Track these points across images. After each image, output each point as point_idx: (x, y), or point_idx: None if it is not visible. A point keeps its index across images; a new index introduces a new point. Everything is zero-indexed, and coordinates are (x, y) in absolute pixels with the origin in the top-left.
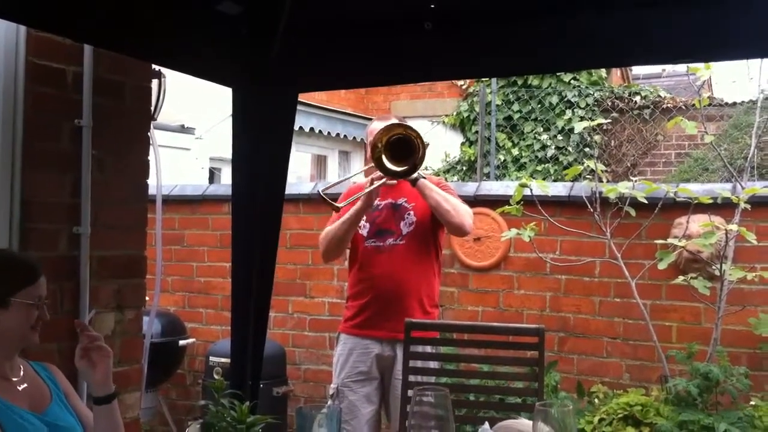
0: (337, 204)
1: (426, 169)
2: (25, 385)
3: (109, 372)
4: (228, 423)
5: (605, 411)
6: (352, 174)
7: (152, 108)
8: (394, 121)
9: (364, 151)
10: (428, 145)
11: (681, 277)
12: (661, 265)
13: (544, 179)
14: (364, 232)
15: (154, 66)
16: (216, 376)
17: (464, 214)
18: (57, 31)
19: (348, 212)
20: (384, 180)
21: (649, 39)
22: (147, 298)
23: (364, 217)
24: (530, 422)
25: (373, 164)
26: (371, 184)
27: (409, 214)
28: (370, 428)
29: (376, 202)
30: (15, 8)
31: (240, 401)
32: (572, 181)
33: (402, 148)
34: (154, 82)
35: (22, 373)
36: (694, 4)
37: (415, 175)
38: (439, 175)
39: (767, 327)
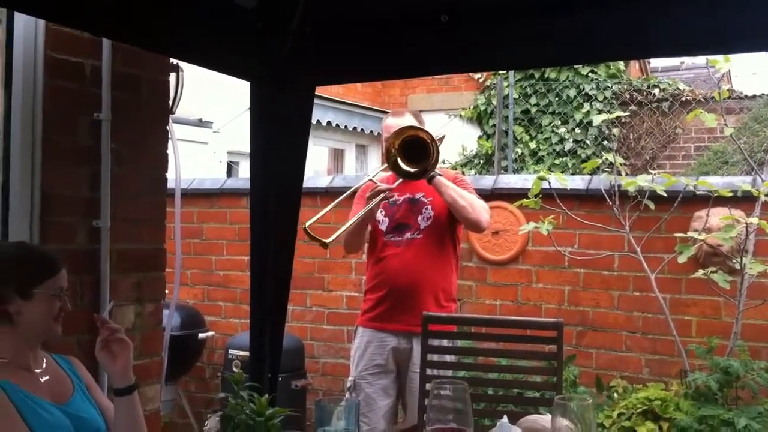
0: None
1: (443, 162)
2: (47, 377)
3: (129, 363)
4: (247, 415)
5: (624, 405)
6: (336, 202)
7: (170, 102)
8: (408, 117)
9: (381, 145)
10: (443, 138)
11: (701, 271)
12: (681, 259)
13: (562, 172)
14: (383, 226)
15: (171, 60)
16: (235, 369)
17: (480, 210)
18: (75, 25)
19: (357, 216)
20: (384, 195)
21: (668, 30)
22: (166, 292)
23: (383, 212)
24: None
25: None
26: (374, 196)
27: (426, 208)
28: (386, 421)
29: (395, 197)
30: (33, 2)
31: (259, 394)
32: (591, 174)
33: (415, 148)
34: (172, 76)
35: (44, 365)
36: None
37: (431, 172)
38: (456, 169)
39: None
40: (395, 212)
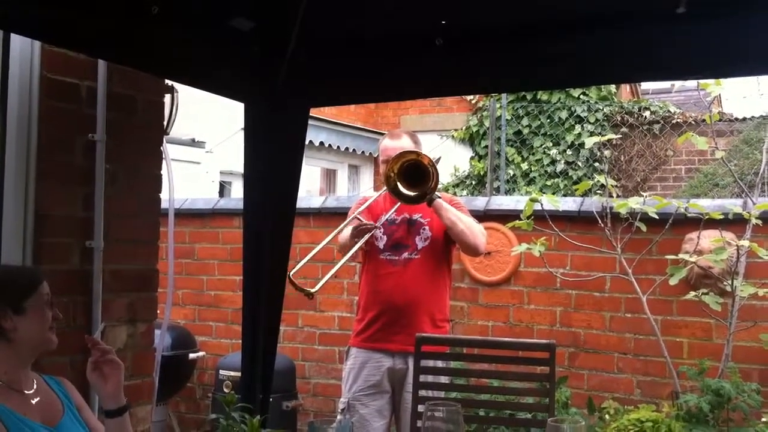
0: (348, 219)
1: None
2: (38, 398)
3: (120, 385)
4: None
5: (616, 427)
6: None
7: (165, 122)
8: (406, 138)
9: (377, 166)
10: (439, 160)
11: (692, 293)
12: (672, 281)
13: (553, 194)
14: (380, 244)
15: (166, 81)
16: (226, 390)
17: (478, 233)
18: (71, 47)
19: (341, 261)
20: (371, 233)
21: (660, 55)
22: (158, 312)
23: (381, 229)
24: None
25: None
26: (359, 235)
27: (424, 229)
28: None
29: (393, 216)
30: (30, 24)
31: (250, 415)
32: (582, 196)
33: (415, 173)
34: (167, 97)
35: (35, 386)
36: (704, 22)
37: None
38: (448, 190)
39: None
40: (393, 231)
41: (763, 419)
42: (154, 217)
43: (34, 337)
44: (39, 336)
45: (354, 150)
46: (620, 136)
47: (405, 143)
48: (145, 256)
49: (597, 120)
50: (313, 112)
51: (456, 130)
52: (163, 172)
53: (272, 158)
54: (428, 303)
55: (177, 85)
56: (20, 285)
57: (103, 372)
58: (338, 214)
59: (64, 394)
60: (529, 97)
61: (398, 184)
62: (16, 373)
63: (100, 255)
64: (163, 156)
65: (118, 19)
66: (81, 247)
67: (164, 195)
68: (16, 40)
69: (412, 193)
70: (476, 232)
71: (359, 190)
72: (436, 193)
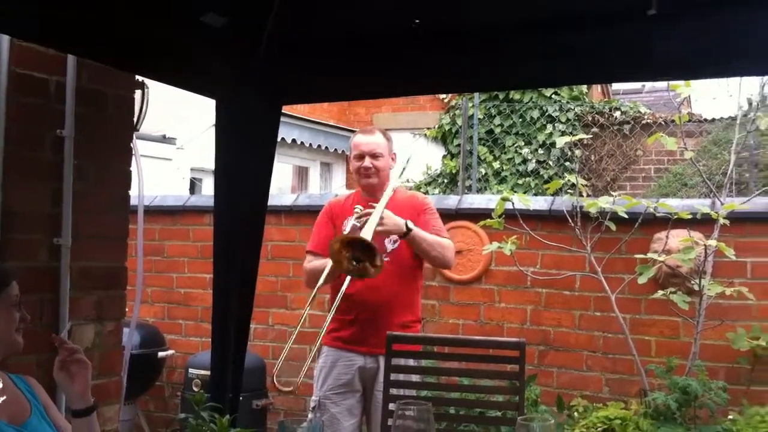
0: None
1: (407, 181)
2: (4, 397)
3: (88, 384)
4: None
5: (585, 425)
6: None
7: (135, 118)
8: (378, 135)
9: (347, 163)
10: (409, 160)
11: (660, 292)
12: (641, 280)
13: (524, 193)
14: None
15: (137, 76)
16: (195, 389)
17: (449, 252)
18: (40, 42)
19: (317, 279)
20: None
21: (631, 57)
22: (126, 310)
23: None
24: None
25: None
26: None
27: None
28: None
29: (362, 211)
30: None
31: (220, 414)
32: (553, 195)
33: (361, 247)
34: (137, 93)
35: (1, 385)
36: (675, 23)
37: (404, 228)
38: (420, 188)
39: (744, 341)
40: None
41: (730, 416)
42: (124, 214)
43: (1, 338)
44: (5, 337)
45: (326, 148)
46: (591, 135)
47: (378, 139)
48: (114, 254)
49: (568, 120)
50: (286, 109)
51: (429, 128)
52: (133, 168)
53: (243, 155)
54: (400, 305)
55: (148, 81)
56: None
57: (70, 371)
58: (310, 212)
59: (31, 393)
60: (501, 96)
61: (343, 261)
62: None
63: (68, 252)
64: (133, 152)
65: (88, 13)
66: (49, 244)
67: (134, 192)
68: None
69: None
70: (447, 254)
71: (331, 187)
72: (408, 221)
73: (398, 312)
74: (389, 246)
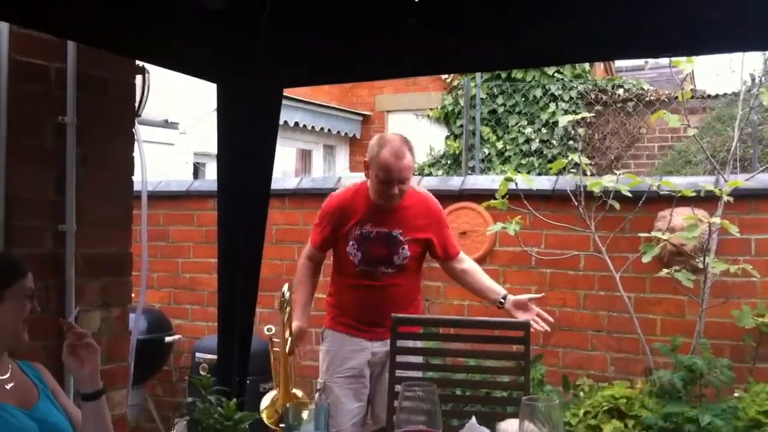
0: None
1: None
2: (13, 383)
3: (97, 368)
4: (215, 419)
5: (590, 404)
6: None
7: (136, 104)
8: (408, 158)
9: (350, 146)
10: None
11: (665, 270)
12: (645, 258)
13: (528, 172)
14: (355, 260)
15: (137, 62)
16: (202, 373)
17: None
18: (40, 28)
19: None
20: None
21: (633, 33)
22: (133, 295)
23: (355, 245)
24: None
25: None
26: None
27: (403, 248)
28: (355, 424)
29: (368, 228)
30: None
31: (227, 398)
32: (557, 174)
33: None
34: (138, 78)
35: (9, 371)
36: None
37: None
38: (424, 170)
39: (750, 319)
40: (369, 248)
41: (735, 394)
42: (127, 199)
43: (8, 328)
44: (13, 328)
45: (329, 130)
46: (594, 114)
47: (408, 162)
48: (119, 240)
49: (571, 98)
50: (288, 92)
51: (431, 109)
52: (136, 154)
53: (246, 139)
54: (403, 306)
55: (149, 66)
56: (5, 272)
57: (79, 355)
58: (314, 195)
59: (39, 378)
60: (503, 75)
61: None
62: None
63: (72, 239)
64: (136, 138)
65: None
66: (53, 231)
67: (137, 177)
68: None
69: None
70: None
71: (335, 170)
72: (500, 301)
73: (400, 311)
74: (397, 261)
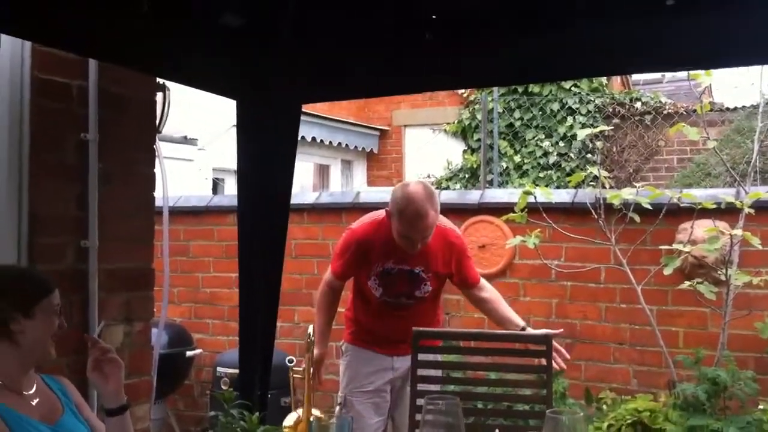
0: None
1: (428, 176)
2: (38, 399)
3: (121, 383)
4: None
5: (614, 417)
6: None
7: (157, 120)
8: (432, 215)
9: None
10: None
11: (687, 282)
12: (667, 271)
13: (546, 186)
14: (376, 294)
15: (158, 79)
16: (224, 387)
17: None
18: (61, 46)
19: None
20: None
21: (651, 47)
22: (154, 310)
23: (376, 281)
24: None
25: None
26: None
27: (426, 284)
28: None
29: (390, 265)
30: (20, 24)
31: (249, 411)
32: (575, 187)
33: None
34: (159, 95)
35: (34, 387)
36: (694, 13)
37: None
38: (441, 184)
39: None
40: (390, 284)
41: (760, 406)
42: (149, 215)
43: (38, 343)
44: (42, 344)
45: (347, 145)
46: (612, 127)
47: (432, 219)
48: (141, 255)
49: (589, 111)
50: (305, 107)
51: (448, 123)
52: (157, 170)
53: (265, 154)
54: (425, 326)
55: (169, 83)
56: (34, 289)
57: (103, 371)
58: (332, 210)
59: (63, 393)
60: (520, 89)
61: None
62: (18, 376)
63: (95, 254)
64: (156, 154)
65: (109, 17)
66: (76, 247)
67: (158, 193)
68: (6, 40)
69: None
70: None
71: (352, 185)
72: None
73: (422, 326)
74: (419, 294)
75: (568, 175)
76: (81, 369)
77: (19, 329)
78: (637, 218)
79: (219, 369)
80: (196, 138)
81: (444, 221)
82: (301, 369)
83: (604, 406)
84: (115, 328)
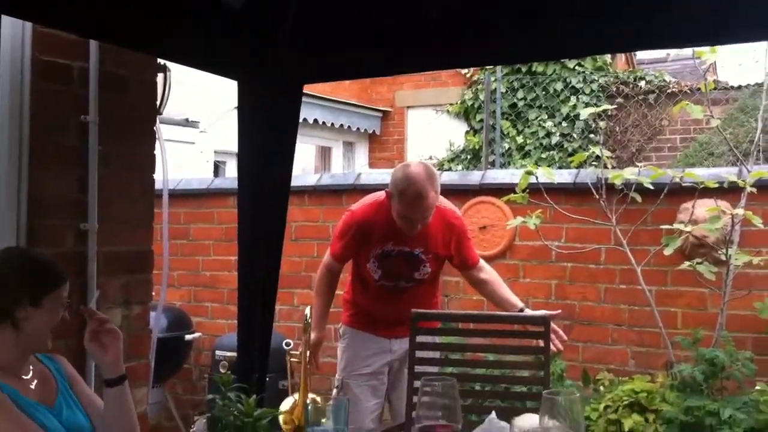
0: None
1: (430, 158)
2: (36, 381)
3: (119, 354)
4: (235, 416)
5: (611, 398)
6: None
7: (158, 102)
8: (432, 197)
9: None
10: None
11: (687, 263)
12: (667, 251)
13: (549, 166)
14: (375, 276)
15: (159, 60)
16: (222, 370)
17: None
18: (62, 27)
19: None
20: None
21: (655, 24)
22: (153, 293)
23: (375, 263)
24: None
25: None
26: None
27: (425, 266)
28: (373, 421)
29: (390, 247)
30: (20, 5)
31: (246, 395)
32: (577, 168)
33: None
34: (160, 76)
35: (31, 371)
36: None
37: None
38: (443, 165)
39: None
40: (390, 266)
41: (757, 387)
42: (149, 198)
43: (40, 334)
44: (43, 335)
45: (349, 127)
46: (615, 106)
47: (432, 201)
48: (140, 238)
49: (592, 91)
50: (307, 88)
51: (451, 104)
52: (157, 152)
53: (266, 136)
54: (423, 308)
55: (170, 64)
56: (46, 278)
57: (101, 342)
58: (333, 192)
59: (58, 370)
60: (523, 69)
61: None
62: (17, 361)
63: (94, 237)
64: (157, 136)
65: None
66: (75, 229)
67: (158, 176)
68: (7, 21)
69: None
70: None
71: (354, 167)
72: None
73: (420, 308)
74: (418, 276)
75: (571, 155)
76: (78, 350)
77: (24, 316)
78: (639, 198)
79: (218, 352)
80: (198, 120)
81: (444, 202)
82: (298, 352)
83: (602, 388)
84: (113, 310)
